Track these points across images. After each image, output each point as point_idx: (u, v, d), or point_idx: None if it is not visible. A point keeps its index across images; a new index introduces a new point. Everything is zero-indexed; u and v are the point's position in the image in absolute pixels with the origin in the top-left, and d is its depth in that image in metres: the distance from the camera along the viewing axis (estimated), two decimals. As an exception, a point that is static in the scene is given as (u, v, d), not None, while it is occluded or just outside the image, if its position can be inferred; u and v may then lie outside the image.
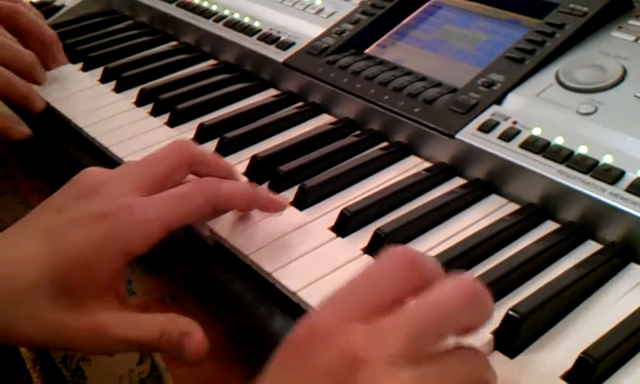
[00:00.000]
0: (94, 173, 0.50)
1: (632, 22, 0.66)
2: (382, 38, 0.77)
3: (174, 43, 0.93)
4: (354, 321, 0.35)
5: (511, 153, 0.57)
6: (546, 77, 0.63)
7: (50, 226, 0.47)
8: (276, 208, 0.54)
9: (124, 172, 0.51)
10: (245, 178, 0.63)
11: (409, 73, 0.70)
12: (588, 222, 0.53)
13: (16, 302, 0.44)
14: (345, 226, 0.55)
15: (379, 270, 0.38)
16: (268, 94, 0.77)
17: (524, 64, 0.64)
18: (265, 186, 0.61)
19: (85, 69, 0.87)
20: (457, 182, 0.60)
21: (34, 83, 0.75)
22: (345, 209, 0.56)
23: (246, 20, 0.85)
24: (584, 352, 0.42)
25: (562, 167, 0.54)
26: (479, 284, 0.37)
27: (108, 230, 0.46)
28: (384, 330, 0.34)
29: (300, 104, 0.74)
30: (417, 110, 0.64)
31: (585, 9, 0.67)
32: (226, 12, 0.88)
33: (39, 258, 0.45)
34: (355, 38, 0.76)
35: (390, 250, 0.38)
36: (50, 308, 0.44)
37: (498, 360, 0.44)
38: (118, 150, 0.68)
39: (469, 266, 0.51)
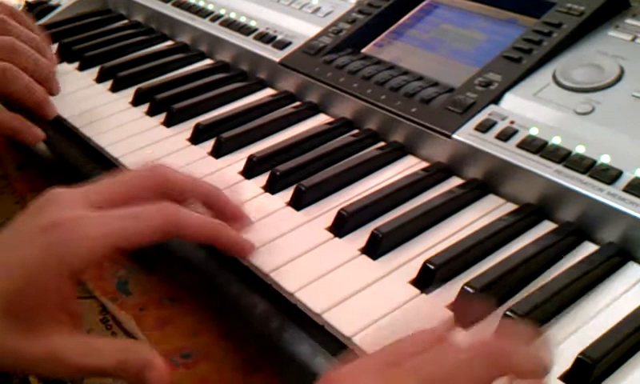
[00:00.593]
0: (54, 190, 0.47)
1: (629, 21, 0.66)
2: (379, 38, 0.77)
3: (170, 43, 0.92)
4: None
5: (508, 152, 0.57)
6: (544, 76, 0.63)
7: (2, 246, 0.45)
8: (239, 252, 0.52)
9: (83, 188, 0.48)
10: (240, 177, 0.63)
11: (406, 72, 0.70)
12: (586, 222, 0.53)
13: None
14: (342, 226, 0.55)
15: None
16: (264, 94, 0.77)
17: (521, 63, 0.64)
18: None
19: (80, 68, 0.86)
20: (454, 181, 0.60)
21: (48, 92, 0.75)
22: (342, 209, 0.56)
23: (242, 19, 0.85)
24: (582, 352, 0.42)
25: (560, 167, 0.54)
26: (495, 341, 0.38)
27: (48, 243, 0.44)
28: None
29: (297, 104, 0.74)
30: (414, 109, 0.64)
31: (582, 8, 0.67)
32: (222, 11, 0.88)
33: None
34: (352, 38, 0.76)
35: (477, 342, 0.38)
36: (5, 333, 0.42)
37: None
38: (113, 150, 0.68)
39: (466, 266, 0.51)
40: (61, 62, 0.87)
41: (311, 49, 0.76)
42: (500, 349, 0.37)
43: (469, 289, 0.47)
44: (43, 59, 0.75)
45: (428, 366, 0.37)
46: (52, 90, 0.75)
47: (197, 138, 0.70)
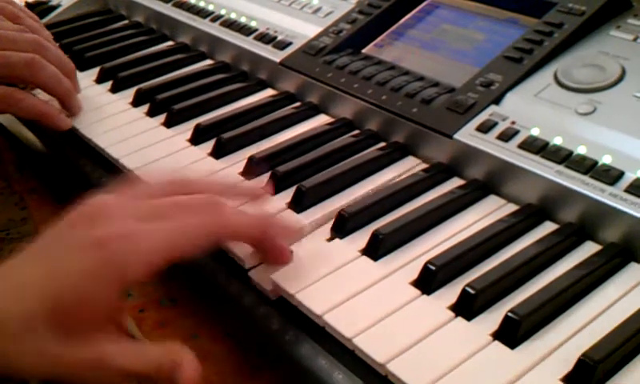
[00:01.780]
0: (97, 199, 0.48)
1: (631, 21, 0.66)
2: (380, 38, 0.76)
3: (170, 43, 0.92)
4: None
5: (510, 153, 0.57)
6: (545, 76, 0.63)
7: (49, 256, 0.45)
8: (279, 259, 0.52)
9: (130, 197, 0.49)
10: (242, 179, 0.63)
11: (406, 73, 0.69)
12: (587, 223, 0.53)
13: (15, 333, 0.42)
14: (343, 227, 0.55)
15: None
16: (265, 94, 0.77)
17: (522, 64, 0.64)
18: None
19: (81, 69, 0.86)
20: (455, 182, 0.60)
21: (68, 111, 0.76)
22: (342, 210, 0.56)
23: (243, 20, 0.85)
24: (584, 354, 0.42)
25: (561, 167, 0.54)
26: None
27: (104, 258, 0.44)
28: None
29: (297, 104, 0.74)
30: (415, 110, 0.64)
31: (583, 8, 0.66)
32: (223, 12, 0.88)
33: (38, 288, 0.43)
34: (352, 38, 0.76)
35: None
36: (48, 338, 0.43)
37: (499, 365, 0.43)
38: (114, 151, 0.68)
39: (468, 266, 0.51)
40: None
41: (312, 49, 0.75)
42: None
43: (470, 290, 0.47)
44: (66, 57, 0.77)
45: None
46: (76, 88, 0.76)
47: (197, 138, 0.69)
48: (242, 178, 0.63)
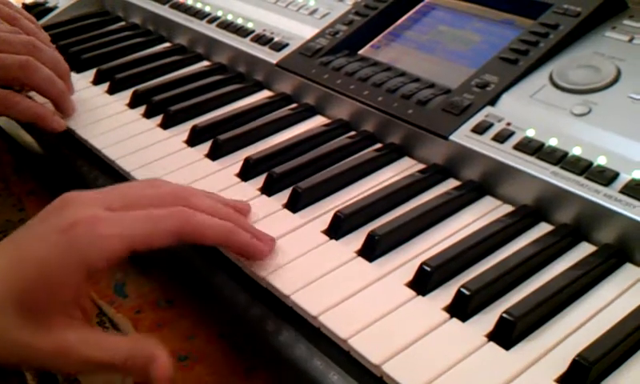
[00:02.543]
0: (70, 193, 0.49)
1: (626, 22, 0.66)
2: (376, 39, 0.77)
3: (167, 45, 0.92)
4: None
5: (505, 154, 0.57)
6: (540, 78, 0.63)
7: (18, 244, 0.46)
8: (253, 255, 0.52)
9: (99, 190, 0.50)
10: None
11: (402, 74, 0.70)
12: (582, 224, 0.53)
13: None
14: (338, 228, 0.55)
15: None
16: (261, 96, 0.77)
17: (518, 65, 0.64)
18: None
19: (78, 71, 0.86)
20: (451, 183, 0.60)
21: (61, 112, 0.76)
22: (338, 211, 0.56)
23: (240, 21, 0.85)
24: (578, 355, 0.42)
25: (556, 168, 0.54)
26: None
27: (68, 242, 0.45)
28: None
29: (293, 105, 0.74)
30: (410, 111, 0.64)
31: (578, 9, 0.67)
32: (219, 13, 0.88)
33: (4, 275, 0.44)
34: (349, 39, 0.76)
35: None
36: (16, 326, 0.43)
37: (494, 365, 0.44)
38: (111, 153, 0.68)
39: (463, 268, 0.51)
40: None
41: (308, 50, 0.76)
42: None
43: (465, 291, 0.47)
44: (61, 58, 0.77)
45: None
46: (69, 89, 0.77)
47: (194, 140, 0.69)
48: (238, 179, 0.63)
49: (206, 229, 0.49)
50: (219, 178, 0.63)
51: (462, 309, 0.47)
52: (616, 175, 0.52)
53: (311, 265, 0.52)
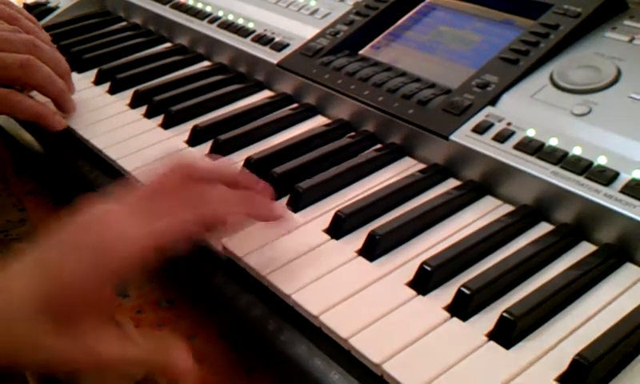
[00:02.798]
0: (101, 207, 0.49)
1: (626, 22, 0.66)
2: (377, 39, 0.77)
3: (168, 45, 0.93)
4: None
5: (505, 154, 0.57)
6: (541, 78, 0.63)
7: (43, 256, 0.46)
8: (273, 216, 0.53)
9: (126, 203, 0.50)
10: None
11: (403, 74, 0.70)
12: (583, 224, 0.53)
13: (15, 330, 0.44)
14: (339, 228, 0.55)
15: None
16: (262, 96, 0.77)
17: (518, 65, 0.64)
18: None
19: (79, 71, 0.86)
20: (451, 183, 0.60)
21: (62, 111, 0.76)
22: (339, 211, 0.56)
23: (240, 21, 0.85)
24: (578, 354, 0.42)
25: (557, 168, 0.54)
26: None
27: (99, 261, 0.45)
28: None
29: (294, 105, 0.74)
30: (411, 111, 0.64)
31: (579, 10, 0.67)
32: (220, 13, 0.88)
33: (29, 283, 0.44)
34: (349, 39, 0.76)
35: None
36: (45, 332, 0.44)
37: (494, 365, 0.44)
38: (112, 153, 0.68)
39: (464, 267, 0.51)
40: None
41: (309, 50, 0.76)
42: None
43: (466, 290, 0.47)
44: (61, 57, 0.77)
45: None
46: (70, 89, 0.77)
47: (195, 139, 0.70)
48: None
49: (224, 208, 0.51)
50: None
51: (462, 308, 0.47)
52: (616, 175, 0.52)
53: (312, 264, 0.52)
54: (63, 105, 0.75)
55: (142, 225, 0.47)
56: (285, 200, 0.59)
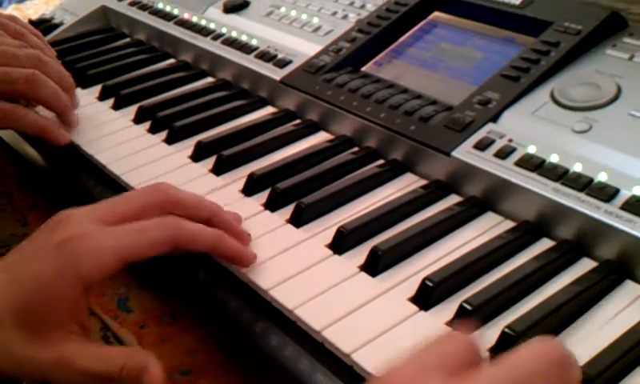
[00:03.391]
0: (62, 212, 0.50)
1: (626, 39, 0.67)
2: (379, 56, 0.77)
3: (172, 61, 0.93)
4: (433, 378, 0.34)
5: (507, 170, 0.57)
6: (541, 95, 0.63)
7: (14, 261, 0.48)
8: (240, 262, 0.53)
9: (91, 206, 0.51)
10: (240, 199, 0.63)
11: (405, 91, 0.70)
12: (583, 240, 0.53)
13: None
14: (341, 243, 0.55)
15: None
16: (265, 112, 0.78)
17: (519, 82, 0.64)
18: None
19: (83, 86, 0.87)
20: (453, 199, 0.60)
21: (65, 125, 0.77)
22: (341, 226, 0.56)
23: (244, 38, 0.86)
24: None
25: (557, 185, 0.55)
26: (565, 348, 0.34)
27: (62, 257, 0.46)
28: None
29: (297, 122, 0.74)
30: (413, 127, 0.64)
31: (579, 27, 0.67)
32: (224, 30, 0.89)
33: (3, 292, 0.45)
34: (352, 56, 0.77)
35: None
36: (16, 341, 0.45)
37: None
38: (115, 168, 0.69)
39: (465, 282, 0.51)
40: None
41: (311, 67, 0.76)
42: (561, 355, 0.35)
43: (467, 306, 0.48)
44: (66, 72, 0.78)
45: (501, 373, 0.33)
46: (74, 104, 0.78)
47: (198, 155, 0.70)
48: (242, 194, 0.64)
49: (195, 237, 0.51)
50: (223, 194, 0.64)
51: (464, 324, 0.47)
52: (616, 192, 0.53)
53: (314, 279, 0.52)
54: (67, 119, 0.76)
55: (110, 236, 0.48)
56: (287, 215, 0.60)
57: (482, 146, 0.60)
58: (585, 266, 0.52)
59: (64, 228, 0.48)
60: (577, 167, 0.55)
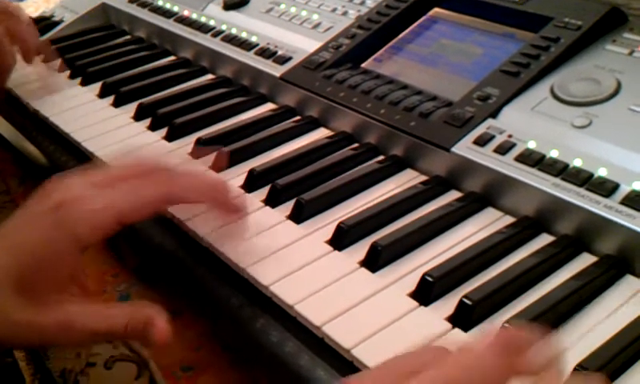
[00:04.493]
0: (54, 179, 0.50)
1: (626, 35, 0.67)
2: (379, 53, 0.77)
3: (171, 58, 0.93)
4: None
5: (506, 166, 0.57)
6: (541, 90, 0.63)
7: (9, 229, 0.48)
8: (233, 212, 0.54)
9: (86, 173, 0.51)
10: (241, 191, 0.63)
11: (405, 87, 0.70)
12: (583, 235, 0.53)
13: None
14: (341, 239, 0.55)
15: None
16: (265, 108, 0.78)
17: (519, 78, 0.64)
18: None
19: (83, 83, 0.87)
20: (453, 195, 0.61)
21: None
22: (341, 222, 0.56)
23: (244, 35, 0.86)
24: (579, 364, 0.42)
25: (557, 180, 0.55)
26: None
27: (57, 221, 0.46)
28: None
29: (297, 118, 0.75)
30: (413, 123, 0.65)
31: (579, 23, 0.67)
32: (224, 27, 0.89)
33: (1, 262, 0.45)
34: (352, 53, 0.77)
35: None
36: (17, 307, 0.45)
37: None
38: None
39: (465, 278, 0.51)
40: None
41: (311, 64, 0.76)
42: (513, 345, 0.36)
43: (467, 301, 0.48)
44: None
45: (446, 371, 0.35)
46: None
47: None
48: (242, 191, 0.64)
49: (189, 188, 0.51)
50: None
51: (464, 319, 0.47)
52: (616, 186, 0.53)
53: (315, 275, 0.52)
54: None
55: (104, 198, 0.48)
56: (288, 211, 0.60)
57: (482, 141, 0.60)
58: (585, 260, 0.52)
59: (58, 193, 0.48)
60: (577, 162, 0.55)
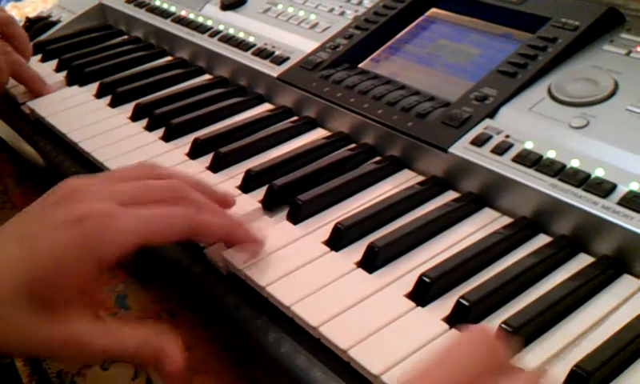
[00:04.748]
0: (74, 180, 0.50)
1: (623, 35, 0.67)
2: (376, 53, 0.77)
3: (169, 58, 0.93)
4: None
5: (504, 166, 0.57)
6: (539, 91, 0.63)
7: (28, 233, 0.46)
8: (253, 245, 0.54)
9: (104, 179, 0.51)
10: (238, 192, 0.63)
11: (402, 87, 0.70)
12: (581, 235, 0.53)
13: (1, 317, 0.44)
14: (338, 240, 0.55)
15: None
16: (262, 109, 0.78)
17: (516, 78, 0.64)
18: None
19: (80, 84, 0.87)
20: (450, 195, 0.60)
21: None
22: (338, 223, 0.56)
23: (241, 35, 0.86)
24: (576, 365, 0.42)
25: (554, 181, 0.55)
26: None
27: (81, 236, 0.45)
28: None
29: (294, 118, 0.74)
30: (410, 124, 0.64)
31: (577, 23, 0.67)
32: (221, 27, 0.89)
33: (17, 265, 0.44)
34: (349, 53, 0.77)
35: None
36: (28, 319, 0.44)
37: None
38: (113, 165, 0.69)
39: (462, 279, 0.51)
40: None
41: (309, 64, 0.76)
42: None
43: (465, 301, 0.48)
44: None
45: None
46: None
47: (195, 152, 0.70)
48: (239, 191, 0.64)
49: (211, 228, 0.52)
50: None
51: (461, 319, 0.47)
52: (614, 187, 0.53)
53: (311, 276, 0.52)
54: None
55: (135, 219, 0.47)
56: (285, 212, 0.60)
57: (480, 142, 0.60)
58: (582, 261, 0.52)
59: (79, 203, 0.47)
60: (574, 163, 0.55)
